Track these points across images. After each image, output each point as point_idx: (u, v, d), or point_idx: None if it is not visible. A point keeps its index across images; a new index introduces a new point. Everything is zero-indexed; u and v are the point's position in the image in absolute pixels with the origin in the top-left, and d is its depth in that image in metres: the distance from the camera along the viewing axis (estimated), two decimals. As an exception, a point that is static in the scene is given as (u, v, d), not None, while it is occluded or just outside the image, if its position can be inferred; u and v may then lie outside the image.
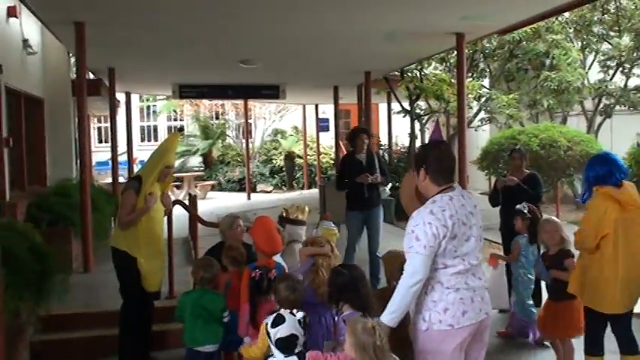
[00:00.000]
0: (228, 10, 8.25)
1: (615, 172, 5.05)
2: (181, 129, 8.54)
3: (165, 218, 6.95)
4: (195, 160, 27.14)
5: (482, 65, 17.11)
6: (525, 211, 6.48)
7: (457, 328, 3.64)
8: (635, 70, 17.05)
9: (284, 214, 6.06)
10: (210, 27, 9.26)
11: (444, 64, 16.60)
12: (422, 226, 3.61)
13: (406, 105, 16.38)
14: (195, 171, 25.63)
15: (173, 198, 7.19)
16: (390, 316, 3.59)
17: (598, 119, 17.57)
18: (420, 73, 14.51)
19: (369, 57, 12.31)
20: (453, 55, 15.09)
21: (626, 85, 17.03)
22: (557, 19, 15.32)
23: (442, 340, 3.65)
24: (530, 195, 7.25)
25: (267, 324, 3.96)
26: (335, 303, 4.19)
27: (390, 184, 9.32)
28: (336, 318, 4.28)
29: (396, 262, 4.11)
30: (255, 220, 5.22)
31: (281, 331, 3.82)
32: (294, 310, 4.03)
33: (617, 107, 17.27)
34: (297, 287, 4.30)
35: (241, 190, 23.94)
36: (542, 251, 6.21)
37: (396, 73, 15.17)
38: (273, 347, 3.83)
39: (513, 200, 7.16)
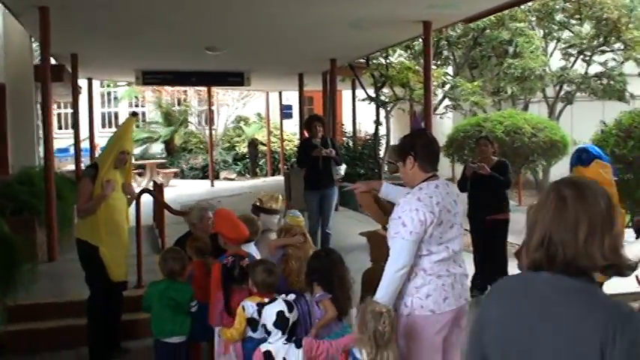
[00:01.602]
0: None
1: (587, 157, 5.85)
2: (135, 113, 8.41)
3: (133, 206, 6.89)
4: (158, 148, 26.81)
5: (446, 53, 17.22)
6: None
7: (438, 313, 3.71)
8: (596, 58, 17.35)
9: (258, 204, 6.02)
10: (175, 13, 9.14)
11: (409, 51, 16.67)
12: (409, 212, 3.64)
13: (371, 92, 16.41)
14: (158, 158, 25.33)
15: (136, 186, 7.12)
16: (380, 301, 3.61)
17: (559, 106, 17.84)
18: (386, 61, 14.52)
19: (335, 45, 12.29)
20: (418, 42, 15.16)
21: (586, 72, 17.30)
22: (520, 7, 15.44)
23: (424, 325, 3.71)
24: (501, 181, 7.35)
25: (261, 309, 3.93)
26: (310, 286, 4.22)
27: (344, 166, 9.71)
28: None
29: (383, 244, 4.15)
30: (214, 214, 5.19)
31: (293, 317, 3.80)
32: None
33: (578, 94, 17.56)
34: (273, 270, 4.39)
35: (204, 177, 23.73)
36: None
37: (362, 60, 15.17)
38: (275, 330, 3.77)
39: (482, 187, 7.27)
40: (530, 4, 16.12)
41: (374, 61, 14.80)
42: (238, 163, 25.33)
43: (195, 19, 9.65)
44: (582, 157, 5.91)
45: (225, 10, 9.03)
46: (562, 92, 17.64)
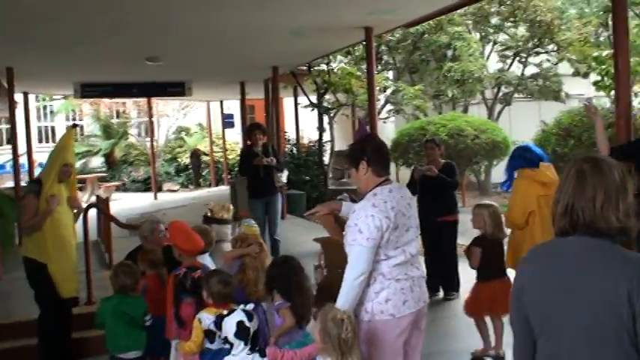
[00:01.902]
0: (131, 4, 7.99)
1: (532, 157, 5.80)
2: (75, 125, 8.34)
3: (80, 221, 6.75)
4: (98, 161, 26.38)
5: (386, 58, 17.39)
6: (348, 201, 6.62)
7: (398, 317, 3.73)
8: (531, 59, 17.80)
9: (209, 214, 5.98)
10: (114, 24, 8.96)
11: (349, 57, 16.79)
12: (364, 219, 3.65)
13: (313, 99, 16.45)
14: (98, 172, 24.89)
15: (85, 200, 7.00)
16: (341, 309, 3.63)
17: (498, 107, 18.22)
18: (328, 67, 14.59)
19: (277, 52, 12.26)
20: (359, 48, 15.27)
21: (523, 74, 17.72)
22: (457, 11, 15.73)
23: (384, 330, 3.73)
24: (449, 183, 7.46)
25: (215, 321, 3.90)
26: (270, 294, 4.21)
27: (286, 172, 9.91)
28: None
29: (338, 250, 4.16)
30: (169, 226, 5.14)
31: (254, 326, 3.76)
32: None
33: (516, 95, 17.97)
34: (229, 281, 4.36)
35: (147, 190, 23.42)
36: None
37: (303, 67, 15.20)
38: (237, 341, 3.73)
39: (430, 189, 7.35)
40: (466, 7, 16.47)
41: (316, 68, 14.84)
42: (181, 174, 25.09)
43: (136, 29, 9.50)
44: (528, 158, 5.86)
45: (165, 19, 8.90)
46: (500, 94, 18.01)
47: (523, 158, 5.89)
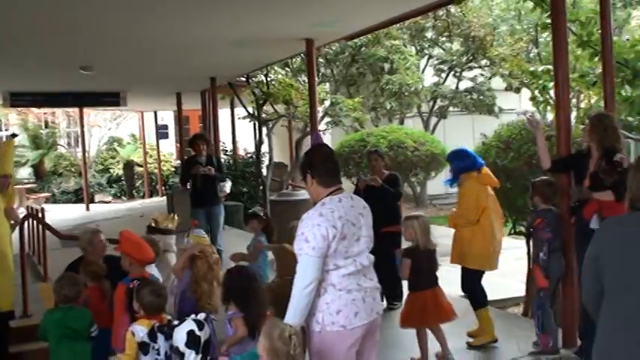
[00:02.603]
0: (61, 7, 7.70)
1: (476, 161, 6.39)
2: (14, 135, 8.10)
3: (17, 232, 6.55)
4: (25, 172, 25.60)
5: (323, 70, 17.47)
6: (261, 214, 6.68)
7: (350, 328, 3.70)
8: (465, 74, 18.16)
9: (153, 224, 5.87)
10: (47, 31, 8.68)
11: (287, 68, 16.81)
12: (310, 228, 3.65)
13: (250, 110, 16.38)
14: (26, 183, 24.15)
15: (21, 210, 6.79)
16: (291, 321, 3.59)
17: (433, 120, 18.51)
18: (267, 79, 14.56)
19: (215, 63, 12.14)
20: (297, 59, 15.31)
21: (457, 88, 18.06)
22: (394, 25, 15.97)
23: (335, 341, 3.70)
24: (392, 194, 7.50)
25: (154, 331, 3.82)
26: (226, 303, 4.16)
27: (229, 182, 10.06)
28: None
29: (289, 257, 4.14)
30: (119, 234, 5.05)
31: (205, 335, 3.69)
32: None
33: (450, 108, 18.30)
34: (161, 292, 4.35)
35: (78, 201, 22.88)
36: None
37: (242, 78, 15.13)
38: (188, 351, 3.65)
39: (374, 199, 7.36)
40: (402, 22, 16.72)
41: (254, 79, 14.80)
42: (114, 185, 24.62)
43: (69, 37, 9.23)
44: (472, 161, 6.39)
45: (100, 28, 8.66)
46: (436, 107, 18.32)
47: (470, 161, 6.40)
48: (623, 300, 2.88)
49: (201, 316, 3.89)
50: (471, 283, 6.39)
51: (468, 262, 6.31)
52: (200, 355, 3.61)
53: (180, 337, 3.63)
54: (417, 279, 5.88)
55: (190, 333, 3.63)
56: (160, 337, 4.24)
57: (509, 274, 9.39)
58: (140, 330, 4.20)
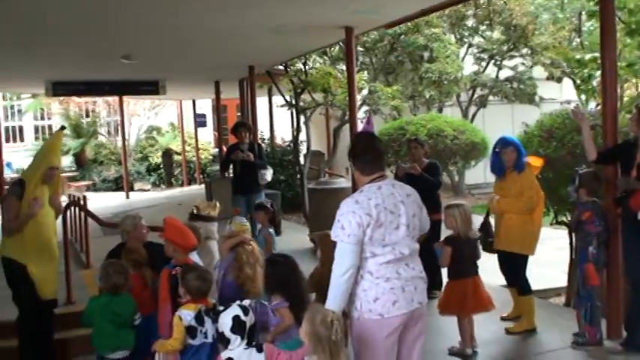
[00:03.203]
0: (105, 2, 7.80)
1: (519, 144, 6.63)
2: (63, 127, 8.26)
3: (59, 220, 6.64)
4: (67, 161, 25.99)
5: (361, 58, 17.37)
6: (268, 205, 6.63)
7: (387, 317, 3.70)
8: (506, 62, 17.92)
9: (195, 212, 5.91)
10: (89, 22, 8.76)
11: (325, 57, 16.74)
12: (346, 215, 3.67)
13: (288, 98, 16.36)
14: (68, 172, 24.51)
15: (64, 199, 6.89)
16: (331, 307, 3.60)
17: (472, 109, 18.32)
18: (305, 67, 14.52)
19: (254, 52, 12.14)
20: (335, 47, 15.23)
21: (497, 77, 17.82)
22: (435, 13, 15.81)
23: (373, 329, 3.70)
24: (432, 183, 7.43)
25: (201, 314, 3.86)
26: (271, 293, 4.17)
27: (270, 170, 9.97)
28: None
29: (331, 244, 4.14)
30: (164, 221, 5.09)
31: (250, 320, 3.70)
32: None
33: (490, 97, 18.09)
34: (206, 277, 4.41)
35: (118, 189, 23.20)
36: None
37: (280, 67, 15.11)
38: (233, 336, 3.66)
39: (414, 188, 7.31)
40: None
41: (292, 68, 14.77)
42: (152, 173, 24.87)
43: (110, 27, 9.31)
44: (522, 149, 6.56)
45: (139, 17, 8.72)
46: (475, 96, 18.11)
47: (520, 149, 6.52)
48: None
49: (247, 302, 3.90)
50: (521, 269, 6.45)
51: (520, 249, 6.37)
52: (245, 341, 3.61)
53: (225, 322, 3.64)
54: (457, 267, 5.88)
55: (236, 318, 3.64)
56: (208, 321, 4.28)
57: (550, 264, 9.28)
58: (187, 314, 4.26)
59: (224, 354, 3.61)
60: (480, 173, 17.14)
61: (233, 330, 3.60)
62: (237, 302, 3.85)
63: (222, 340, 3.70)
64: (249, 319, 3.65)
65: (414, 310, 3.81)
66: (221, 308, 3.92)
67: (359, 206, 3.67)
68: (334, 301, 3.61)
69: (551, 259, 9.20)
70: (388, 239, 3.71)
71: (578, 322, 5.98)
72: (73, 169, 25.52)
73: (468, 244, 5.88)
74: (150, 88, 16.33)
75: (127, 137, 22.68)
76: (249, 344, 3.62)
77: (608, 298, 5.98)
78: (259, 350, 3.63)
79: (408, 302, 3.76)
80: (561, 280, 8.44)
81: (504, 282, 8.14)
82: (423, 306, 3.91)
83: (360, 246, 3.65)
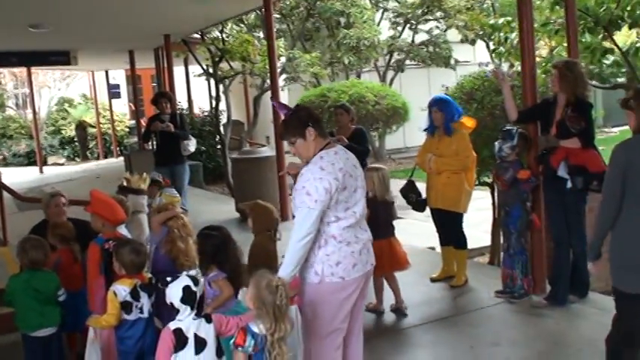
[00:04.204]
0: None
1: (452, 103, 6.65)
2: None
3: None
4: (-28, 136, 24.93)
5: (278, 25, 17.23)
6: (160, 179, 6.83)
7: (347, 279, 3.77)
8: (421, 26, 18.12)
9: (125, 184, 5.77)
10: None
11: (241, 24, 16.54)
12: (312, 182, 3.68)
13: (206, 67, 16.09)
14: (-26, 147, 23.56)
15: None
16: (285, 272, 3.63)
17: (390, 74, 18.48)
18: (222, 35, 14.30)
19: (169, 20, 11.88)
20: (250, 15, 15.06)
21: (413, 41, 18.02)
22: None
23: (333, 292, 3.77)
24: (361, 151, 7.44)
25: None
26: (205, 266, 4.12)
27: (193, 141, 9.78)
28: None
29: (265, 213, 4.10)
30: (90, 194, 4.94)
31: (199, 290, 3.63)
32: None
33: (407, 61, 18.28)
34: (140, 250, 4.33)
35: (30, 164, 22.41)
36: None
37: (196, 35, 14.84)
38: (183, 307, 3.58)
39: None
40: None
41: (209, 36, 14.53)
42: (66, 147, 24.13)
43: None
44: (457, 108, 6.59)
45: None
46: (392, 60, 18.27)
47: (456, 108, 6.56)
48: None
49: (193, 272, 3.85)
50: (458, 225, 6.63)
51: (457, 207, 6.51)
52: (195, 311, 3.56)
53: (174, 292, 3.56)
54: (373, 229, 5.90)
55: (186, 288, 3.56)
56: (144, 296, 4.20)
57: (472, 225, 9.47)
58: (122, 289, 4.18)
59: (172, 324, 3.55)
60: (399, 138, 17.38)
61: (183, 300, 3.53)
62: (185, 272, 3.80)
63: (172, 310, 3.62)
64: (199, 289, 3.60)
65: (368, 272, 3.95)
66: (169, 279, 3.77)
67: (325, 172, 3.69)
68: (290, 265, 3.63)
69: (472, 220, 9.41)
70: (350, 202, 3.77)
71: (504, 280, 6.17)
72: (-20, 144, 24.50)
73: (385, 207, 5.96)
74: (60, 58, 15.76)
75: (37, 110, 21.88)
76: (198, 315, 3.58)
77: (532, 254, 6.17)
78: (208, 321, 3.59)
79: (363, 264, 3.86)
80: (484, 240, 8.65)
81: (430, 244, 8.34)
82: (372, 267, 4.01)
83: (322, 212, 3.68)
